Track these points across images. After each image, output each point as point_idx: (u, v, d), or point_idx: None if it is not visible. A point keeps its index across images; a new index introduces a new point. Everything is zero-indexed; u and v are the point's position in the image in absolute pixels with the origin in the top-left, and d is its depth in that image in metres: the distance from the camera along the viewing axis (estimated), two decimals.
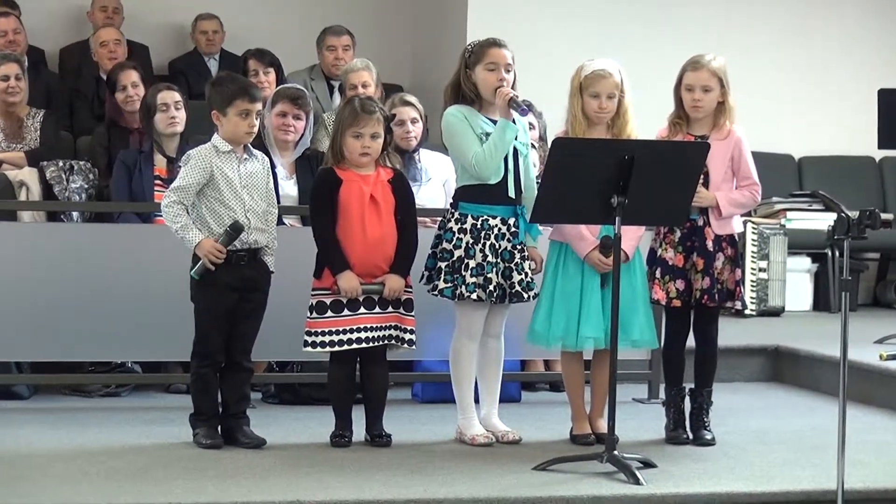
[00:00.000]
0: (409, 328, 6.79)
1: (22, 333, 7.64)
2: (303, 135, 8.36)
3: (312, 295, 6.74)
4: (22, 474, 6.07)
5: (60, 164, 8.83)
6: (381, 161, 6.84)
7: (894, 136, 9.35)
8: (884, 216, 9.64)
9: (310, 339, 6.73)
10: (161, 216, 7.06)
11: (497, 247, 6.71)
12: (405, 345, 6.81)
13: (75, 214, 8.51)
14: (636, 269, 6.89)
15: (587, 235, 6.79)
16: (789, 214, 10.98)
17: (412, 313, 6.80)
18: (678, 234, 6.88)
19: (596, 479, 6.13)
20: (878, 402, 7.99)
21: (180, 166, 6.84)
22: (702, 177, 6.66)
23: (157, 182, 8.28)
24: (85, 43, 11.35)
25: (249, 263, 6.67)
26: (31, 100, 9.40)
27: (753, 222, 10.59)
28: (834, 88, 12.07)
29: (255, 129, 6.85)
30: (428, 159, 8.47)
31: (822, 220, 10.39)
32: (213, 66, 11.40)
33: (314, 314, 6.72)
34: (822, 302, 11.19)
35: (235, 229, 6.55)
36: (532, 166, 6.96)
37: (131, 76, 9.20)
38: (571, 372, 7.06)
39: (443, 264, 6.74)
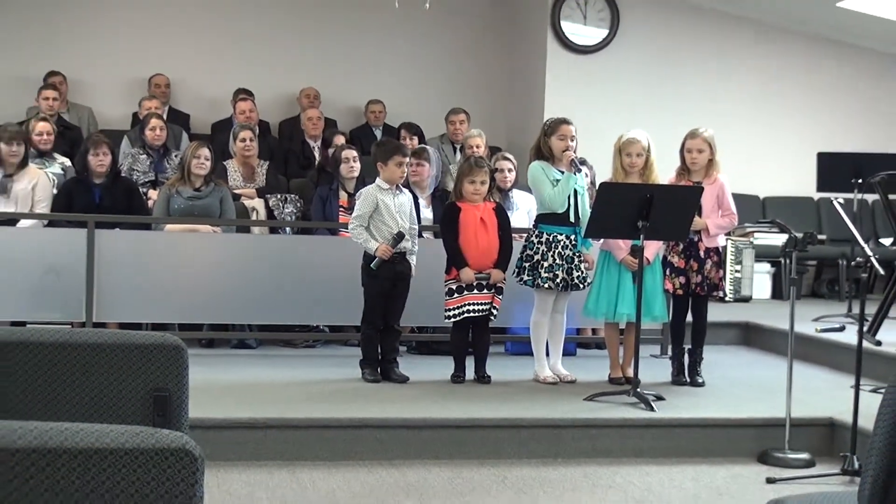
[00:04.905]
0: (496, 306, 6.78)
1: (253, 305, 7.74)
2: (428, 176, 8.40)
3: (445, 283, 6.75)
4: (251, 397, 6.18)
5: (278, 196, 8.92)
6: (487, 197, 6.86)
7: (828, 184, 9.25)
8: (819, 237, 9.52)
9: (448, 313, 6.74)
10: (344, 231, 7.13)
11: (563, 254, 6.70)
12: (492, 316, 6.80)
13: (288, 230, 8.58)
14: (656, 269, 6.85)
15: (623, 246, 6.77)
16: (756, 235, 10.78)
17: (500, 296, 6.78)
18: (681, 246, 6.83)
19: (625, 407, 6.12)
20: (815, 360, 7.86)
21: (356, 199, 6.89)
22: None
23: (341, 209, 8.31)
24: (295, 118, 11.44)
25: (400, 262, 6.71)
26: (260, 154, 9.47)
27: (732, 239, 10.35)
28: (787, 150, 11.90)
29: (405, 175, 6.90)
30: (517, 196, 8.44)
31: (778, 239, 10.07)
32: (378, 133, 11.44)
33: (447, 296, 6.73)
34: (777, 293, 11.05)
35: (399, 236, 6.61)
36: (588, 201, 6.94)
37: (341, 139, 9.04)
38: (611, 336, 7.03)
39: (526, 264, 6.75)
